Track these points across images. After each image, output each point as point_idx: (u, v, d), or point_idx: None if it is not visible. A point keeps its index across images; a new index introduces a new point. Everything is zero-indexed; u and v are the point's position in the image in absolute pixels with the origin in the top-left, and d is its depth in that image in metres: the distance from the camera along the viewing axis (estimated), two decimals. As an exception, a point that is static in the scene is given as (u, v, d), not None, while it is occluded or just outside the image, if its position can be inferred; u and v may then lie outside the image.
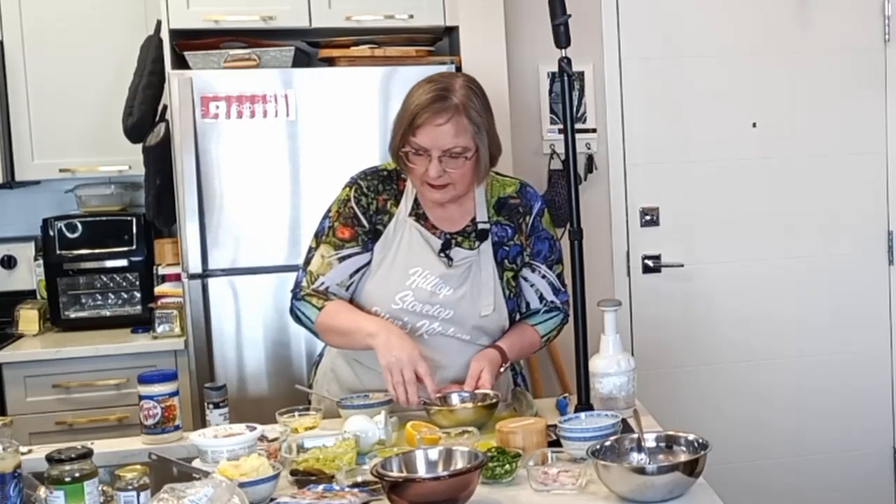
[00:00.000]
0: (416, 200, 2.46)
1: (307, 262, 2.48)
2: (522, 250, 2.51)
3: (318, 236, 2.47)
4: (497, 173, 2.54)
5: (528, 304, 2.55)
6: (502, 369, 2.45)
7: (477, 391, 2.40)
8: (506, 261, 2.49)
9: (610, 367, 2.33)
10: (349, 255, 2.43)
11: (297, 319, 2.47)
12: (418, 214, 2.45)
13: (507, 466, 1.98)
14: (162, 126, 3.41)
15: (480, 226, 2.47)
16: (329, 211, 2.49)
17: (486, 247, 2.46)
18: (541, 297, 2.54)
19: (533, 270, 2.53)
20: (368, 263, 2.44)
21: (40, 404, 3.39)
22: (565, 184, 3.01)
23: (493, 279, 2.46)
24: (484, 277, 2.45)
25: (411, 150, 2.34)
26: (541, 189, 3.67)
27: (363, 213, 2.44)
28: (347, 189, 2.48)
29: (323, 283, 2.43)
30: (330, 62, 3.45)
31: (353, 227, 2.43)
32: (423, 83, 2.38)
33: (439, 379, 2.40)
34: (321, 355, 2.70)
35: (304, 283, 2.45)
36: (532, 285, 2.53)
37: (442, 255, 2.43)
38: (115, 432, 3.21)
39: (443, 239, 2.45)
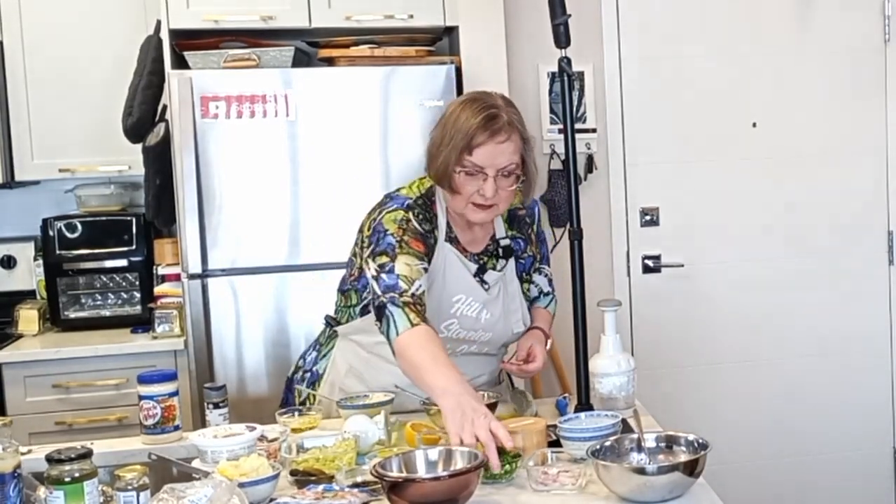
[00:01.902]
0: (448, 225, 2.40)
1: (389, 270, 2.22)
2: (535, 260, 2.54)
3: (389, 251, 2.25)
4: None
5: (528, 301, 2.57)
6: (548, 346, 2.47)
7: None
8: (523, 274, 2.51)
9: (610, 367, 2.33)
10: (427, 269, 2.28)
11: (386, 325, 2.19)
12: (451, 239, 2.40)
13: (507, 466, 1.97)
14: (161, 126, 3.41)
15: (504, 243, 2.46)
16: (385, 230, 2.28)
17: (510, 264, 2.46)
18: (540, 291, 2.58)
19: (540, 273, 2.57)
20: None
21: (40, 404, 3.39)
22: (565, 184, 3.00)
23: (519, 295, 2.47)
24: (511, 294, 2.45)
25: (465, 170, 2.27)
26: (541, 189, 3.67)
27: (428, 235, 2.33)
28: (402, 211, 2.31)
29: (420, 287, 2.22)
30: (330, 62, 3.45)
31: (425, 243, 2.30)
32: (466, 103, 2.31)
33: None
34: (308, 371, 2.61)
35: (404, 286, 2.19)
36: (536, 285, 2.57)
37: (478, 279, 2.40)
38: (115, 432, 3.21)
39: (474, 262, 2.42)
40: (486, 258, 2.43)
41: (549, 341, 2.48)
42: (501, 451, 2.00)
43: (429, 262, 2.30)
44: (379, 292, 2.22)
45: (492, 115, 2.27)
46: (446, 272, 2.36)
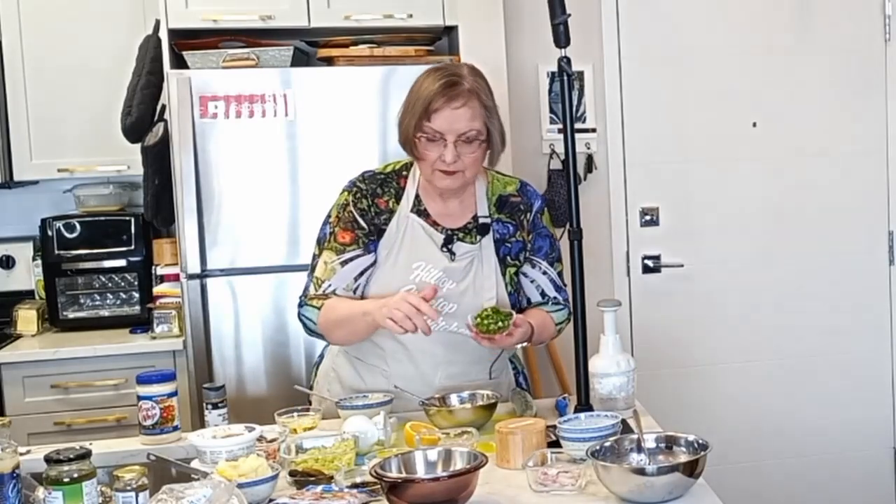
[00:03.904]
0: (417, 196, 2.47)
1: (312, 269, 2.48)
2: (525, 247, 2.52)
3: (321, 243, 2.48)
4: (497, 172, 2.56)
5: (528, 300, 2.55)
6: (522, 345, 2.45)
7: (476, 392, 2.41)
8: (508, 257, 2.50)
9: (610, 367, 2.33)
10: (351, 259, 2.43)
11: (305, 326, 2.47)
12: (420, 210, 2.46)
13: (501, 323, 2.26)
14: (160, 126, 3.41)
15: (482, 220, 2.48)
16: (329, 217, 2.49)
17: (488, 241, 2.47)
18: (542, 293, 2.54)
19: (533, 266, 2.53)
20: (373, 264, 2.44)
21: (39, 405, 3.38)
22: (565, 183, 3.01)
23: (495, 272, 2.47)
24: (486, 271, 2.45)
25: (426, 136, 2.35)
26: (541, 189, 3.66)
27: (362, 216, 2.44)
28: (346, 193, 2.49)
29: (330, 286, 2.42)
30: (329, 62, 3.45)
31: (353, 230, 2.44)
32: (430, 72, 2.41)
33: (445, 374, 2.45)
34: (322, 356, 2.70)
35: (312, 290, 2.45)
36: (532, 281, 2.54)
37: (444, 249, 2.44)
38: (114, 433, 3.21)
39: (445, 234, 2.45)
40: (462, 234, 2.46)
41: (525, 344, 2.44)
42: (495, 310, 2.30)
43: (371, 234, 2.43)
44: (300, 294, 2.48)
45: (451, 81, 2.35)
46: (407, 241, 2.44)
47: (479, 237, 2.47)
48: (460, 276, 2.43)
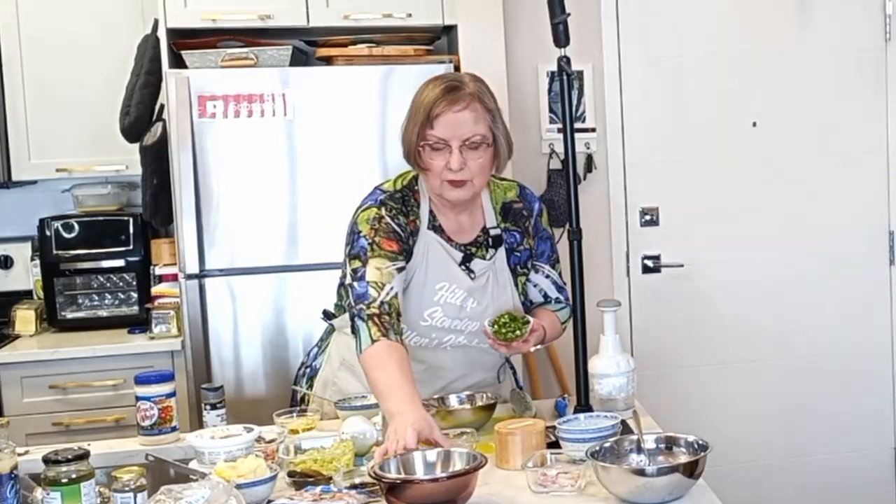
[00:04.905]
0: (431, 213, 2.40)
1: (361, 276, 2.26)
2: (532, 254, 2.50)
3: (361, 255, 2.28)
4: (494, 177, 2.51)
5: (531, 302, 2.54)
6: (537, 347, 2.43)
7: (475, 392, 2.40)
8: (518, 266, 2.47)
9: (609, 367, 2.33)
10: (402, 268, 2.30)
11: (356, 338, 2.24)
12: (435, 227, 2.40)
13: (519, 331, 2.26)
14: (159, 125, 3.41)
15: (493, 232, 2.44)
16: (359, 232, 2.32)
17: (500, 254, 2.44)
18: (545, 296, 2.53)
19: (537, 271, 2.52)
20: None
21: (37, 405, 3.38)
22: (564, 183, 2.98)
23: (510, 285, 2.45)
24: (502, 285, 2.43)
25: (429, 144, 2.28)
26: (540, 189, 3.67)
27: (402, 230, 2.34)
28: (375, 209, 2.34)
29: (392, 288, 2.24)
30: (328, 61, 3.44)
31: (398, 241, 2.31)
32: (430, 81, 2.34)
33: (464, 385, 2.45)
34: (309, 366, 2.65)
35: (373, 294, 2.22)
36: (535, 285, 2.52)
37: (463, 267, 2.39)
38: (112, 433, 3.20)
39: (461, 251, 2.40)
40: (475, 248, 2.42)
41: (538, 346, 2.42)
42: (513, 318, 2.30)
43: (408, 255, 2.33)
44: (352, 301, 2.27)
45: (452, 86, 2.29)
46: (429, 260, 2.36)
47: (491, 250, 2.42)
48: (481, 295, 2.39)
